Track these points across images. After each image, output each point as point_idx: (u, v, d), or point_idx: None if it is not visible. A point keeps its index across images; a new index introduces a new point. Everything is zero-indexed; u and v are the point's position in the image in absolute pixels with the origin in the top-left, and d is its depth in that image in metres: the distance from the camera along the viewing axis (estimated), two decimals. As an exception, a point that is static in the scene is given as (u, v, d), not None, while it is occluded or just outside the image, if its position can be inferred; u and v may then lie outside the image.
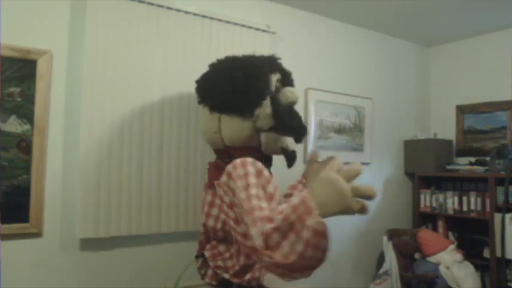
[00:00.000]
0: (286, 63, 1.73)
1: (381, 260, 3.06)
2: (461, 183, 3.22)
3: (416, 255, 3.00)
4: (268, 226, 1.04)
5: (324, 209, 0.92)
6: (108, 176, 1.94)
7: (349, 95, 3.03)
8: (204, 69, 1.75)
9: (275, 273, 1.10)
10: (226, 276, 1.41)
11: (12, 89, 1.79)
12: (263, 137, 1.54)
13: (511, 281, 2.68)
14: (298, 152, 1.69)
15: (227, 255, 1.44)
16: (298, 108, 1.66)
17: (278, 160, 1.68)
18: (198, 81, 1.70)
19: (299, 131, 1.56)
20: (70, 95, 1.94)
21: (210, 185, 1.53)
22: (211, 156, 1.92)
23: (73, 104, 1.94)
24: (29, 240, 1.82)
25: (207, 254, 1.50)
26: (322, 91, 2.88)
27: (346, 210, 0.91)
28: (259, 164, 1.31)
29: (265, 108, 1.51)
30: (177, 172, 2.13)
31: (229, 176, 1.28)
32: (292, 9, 2.77)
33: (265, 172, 1.30)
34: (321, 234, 0.94)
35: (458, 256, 2.83)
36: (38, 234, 1.84)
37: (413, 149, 3.34)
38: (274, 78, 1.59)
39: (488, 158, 2.97)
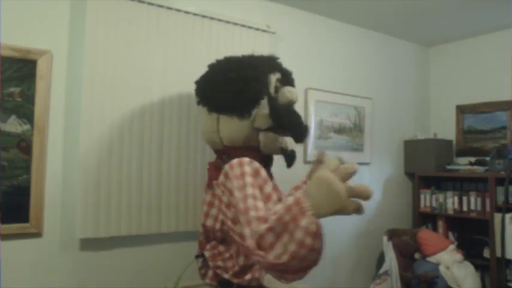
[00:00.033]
0: (286, 63, 1.73)
1: (381, 260, 3.06)
2: (461, 183, 3.22)
3: (416, 255, 3.00)
4: (263, 226, 1.04)
5: (319, 209, 0.91)
6: (108, 176, 1.94)
7: (349, 95, 3.03)
8: (204, 69, 1.75)
9: (270, 273, 1.11)
10: (226, 276, 1.41)
11: (12, 89, 1.79)
12: (261, 136, 1.54)
13: (511, 281, 2.68)
14: (298, 152, 1.69)
15: (227, 255, 1.44)
16: (298, 108, 1.66)
17: (278, 160, 1.68)
18: (197, 82, 1.71)
19: (298, 131, 1.55)
20: (70, 95, 1.94)
21: (210, 185, 1.54)
22: (211, 156, 1.92)
23: (73, 104, 1.94)
24: (29, 240, 1.82)
25: (207, 254, 1.50)
26: (322, 91, 2.88)
27: (341, 211, 0.89)
28: (257, 164, 1.32)
29: (263, 108, 1.51)
30: (177, 172, 2.13)
31: (226, 176, 1.29)
32: (292, 9, 2.77)
33: (263, 172, 1.30)
34: (315, 235, 0.93)
35: (458, 256, 2.83)
36: (38, 234, 1.84)
37: (413, 149, 3.34)
38: (274, 78, 1.59)
39: (488, 158, 2.97)
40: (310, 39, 2.86)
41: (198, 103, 1.68)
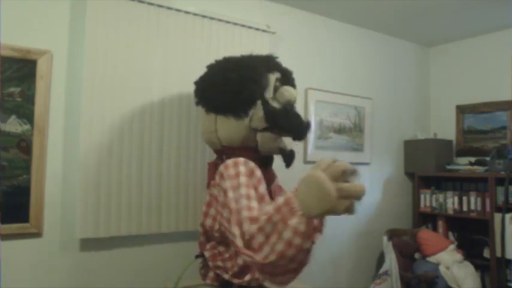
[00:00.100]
0: (286, 63, 1.73)
1: (381, 260, 3.06)
2: (461, 183, 3.22)
3: (416, 255, 3.00)
4: (254, 227, 1.04)
5: (309, 209, 0.90)
6: (108, 176, 1.94)
7: (349, 95, 3.03)
8: (203, 69, 1.75)
9: (260, 274, 1.10)
10: (226, 276, 1.41)
11: (12, 89, 1.79)
12: (259, 137, 1.54)
13: (511, 281, 2.68)
14: (298, 152, 1.69)
15: (227, 255, 1.44)
16: (298, 108, 1.66)
17: (278, 160, 1.68)
18: (196, 83, 1.71)
19: (297, 131, 1.55)
20: (70, 95, 1.94)
21: (209, 185, 1.54)
22: (211, 156, 1.92)
23: (73, 104, 1.94)
24: (29, 240, 1.82)
25: (206, 254, 1.50)
26: (322, 91, 2.88)
27: (331, 211, 0.87)
28: (252, 164, 1.32)
29: (259, 108, 1.51)
30: (177, 172, 2.13)
31: (221, 176, 1.30)
32: (292, 9, 2.77)
33: (257, 172, 1.30)
34: (304, 235, 0.93)
35: (458, 256, 2.83)
36: (38, 234, 1.84)
37: (413, 149, 3.34)
38: (273, 77, 1.59)
39: (488, 158, 2.97)
40: (310, 39, 2.86)
41: (197, 103, 1.69)
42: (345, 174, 0.86)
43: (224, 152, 1.58)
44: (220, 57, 1.72)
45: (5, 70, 1.77)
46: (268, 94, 1.57)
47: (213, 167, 1.58)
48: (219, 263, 1.44)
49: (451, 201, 3.08)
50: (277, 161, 1.68)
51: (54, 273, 1.87)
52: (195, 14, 2.22)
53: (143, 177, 2.04)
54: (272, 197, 1.48)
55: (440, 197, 3.15)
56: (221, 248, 1.46)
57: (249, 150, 1.54)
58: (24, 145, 1.80)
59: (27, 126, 1.81)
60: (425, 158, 3.23)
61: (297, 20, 2.79)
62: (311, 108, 2.81)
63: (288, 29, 2.73)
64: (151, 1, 2.07)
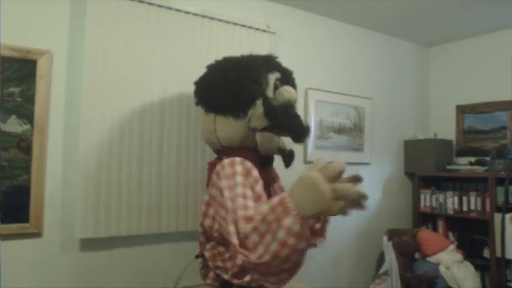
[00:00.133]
0: (286, 63, 1.73)
1: (381, 260, 3.06)
2: (461, 183, 3.22)
3: (416, 255, 3.00)
4: (248, 226, 1.05)
5: (303, 209, 0.90)
6: (108, 176, 1.94)
7: (349, 95, 3.03)
8: (204, 69, 1.75)
9: (254, 275, 1.10)
10: (226, 277, 1.41)
11: (12, 89, 1.79)
12: (258, 136, 1.54)
13: (511, 281, 2.68)
14: (298, 152, 1.69)
15: (227, 255, 1.44)
16: (298, 108, 1.66)
17: (277, 160, 1.68)
18: (196, 83, 1.71)
19: (297, 132, 1.55)
20: (70, 95, 1.94)
21: (208, 185, 1.54)
22: (211, 156, 1.92)
23: (73, 104, 1.94)
24: (29, 240, 1.82)
25: (206, 254, 1.50)
26: (322, 91, 2.88)
27: (325, 212, 0.87)
28: (248, 164, 1.33)
29: (259, 108, 1.51)
30: (177, 172, 2.13)
31: (218, 175, 1.31)
32: (292, 9, 2.77)
33: (254, 172, 1.31)
34: (298, 235, 0.93)
35: (458, 256, 2.83)
36: (38, 234, 1.84)
37: (413, 149, 3.34)
38: (273, 77, 1.59)
39: (488, 158, 2.97)
40: (310, 39, 2.86)
41: (197, 104, 1.69)
42: (340, 175, 0.86)
43: (224, 151, 1.58)
44: (220, 57, 1.72)
45: (5, 70, 1.77)
46: (268, 94, 1.57)
47: (213, 167, 1.58)
48: (219, 263, 1.44)
49: (451, 201, 3.08)
50: (277, 161, 1.68)
51: (54, 273, 1.87)
52: (195, 14, 2.22)
53: (143, 177, 2.04)
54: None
55: (440, 197, 3.15)
56: (221, 248, 1.46)
57: (249, 150, 1.54)
58: (24, 145, 1.80)
59: (27, 126, 1.81)
60: (425, 158, 3.23)
61: (297, 20, 2.79)
62: (311, 108, 2.81)
63: (288, 29, 2.73)
64: (151, 1, 2.07)
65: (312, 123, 2.81)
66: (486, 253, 2.87)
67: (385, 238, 2.99)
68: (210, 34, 2.27)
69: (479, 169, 3.01)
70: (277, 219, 0.95)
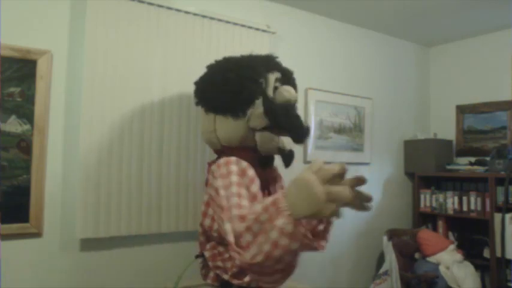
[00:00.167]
0: (286, 63, 1.73)
1: (381, 260, 3.06)
2: (461, 183, 3.22)
3: (416, 255, 3.00)
4: (242, 225, 1.05)
5: (296, 210, 0.90)
6: (108, 176, 1.94)
7: (349, 95, 3.03)
8: (204, 69, 1.75)
9: (248, 274, 1.10)
10: (226, 277, 1.41)
11: (12, 89, 1.79)
12: (257, 136, 1.54)
13: (511, 281, 2.68)
14: (297, 152, 1.69)
15: (226, 255, 1.44)
16: (298, 108, 1.66)
17: (278, 161, 1.68)
18: (196, 83, 1.71)
19: (297, 132, 1.55)
20: (70, 95, 1.94)
21: (207, 185, 1.54)
22: (212, 156, 1.92)
23: (73, 104, 1.94)
24: (29, 240, 1.82)
25: (206, 254, 1.50)
26: (322, 91, 2.88)
27: (318, 214, 0.87)
28: (244, 163, 1.34)
29: (258, 108, 1.51)
30: (177, 172, 2.13)
31: (213, 175, 1.33)
32: (292, 9, 2.77)
33: (250, 171, 1.32)
34: (291, 236, 0.93)
35: (458, 256, 2.84)
36: (38, 234, 1.84)
37: (413, 149, 3.34)
38: (273, 77, 1.59)
39: (488, 158, 2.97)
40: (310, 39, 2.86)
41: (197, 104, 1.69)
42: (337, 177, 0.86)
43: (224, 151, 1.58)
44: (220, 57, 1.72)
45: (5, 70, 1.77)
46: (268, 94, 1.56)
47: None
48: (219, 263, 1.44)
49: (451, 201, 3.08)
50: (277, 161, 1.68)
51: (54, 273, 1.87)
52: (195, 14, 2.22)
53: (143, 177, 2.04)
54: None
55: (440, 197, 3.15)
56: (221, 248, 1.46)
57: (248, 150, 1.54)
58: (24, 145, 1.80)
59: (27, 126, 1.81)
60: (425, 158, 3.23)
61: (297, 20, 2.79)
62: (311, 108, 2.81)
63: (288, 29, 2.73)
64: (151, 1, 2.07)
65: (312, 123, 2.81)
66: (486, 253, 2.87)
67: (385, 238, 2.99)
68: (210, 34, 2.27)
69: (479, 169, 3.01)
70: (270, 219, 0.95)
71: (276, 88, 1.59)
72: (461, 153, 3.38)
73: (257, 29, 2.46)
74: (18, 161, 1.79)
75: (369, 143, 3.15)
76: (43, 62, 1.85)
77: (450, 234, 3.17)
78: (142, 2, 2.06)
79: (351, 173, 0.87)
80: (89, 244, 1.95)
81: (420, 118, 3.59)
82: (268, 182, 1.58)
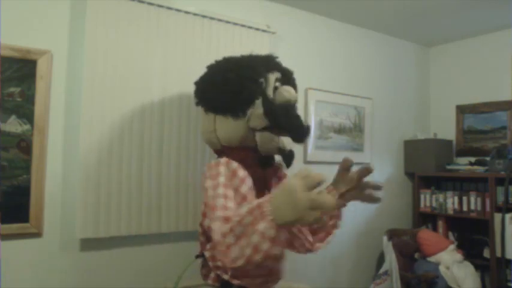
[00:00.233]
0: (286, 63, 1.73)
1: (381, 260, 3.06)
2: (461, 183, 3.22)
3: (416, 255, 3.00)
4: (226, 226, 1.06)
5: (279, 215, 0.90)
6: (108, 176, 1.94)
7: (349, 95, 3.03)
8: (204, 69, 1.75)
9: (231, 274, 1.11)
10: (226, 277, 1.41)
11: (12, 89, 1.79)
12: (258, 136, 1.54)
13: (511, 281, 2.68)
14: (297, 152, 1.69)
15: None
16: (298, 108, 1.66)
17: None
18: (196, 83, 1.72)
19: (298, 132, 1.55)
20: (70, 95, 1.94)
21: None
22: (212, 156, 1.92)
23: (73, 104, 1.94)
24: (29, 240, 1.82)
25: (207, 254, 1.49)
26: (322, 91, 2.88)
27: (300, 220, 0.88)
28: (234, 164, 1.36)
29: (258, 108, 1.51)
30: (177, 172, 2.13)
31: (205, 175, 1.36)
32: (292, 9, 2.77)
33: (240, 172, 1.34)
34: (273, 241, 0.93)
35: (458, 256, 2.84)
36: (38, 234, 1.84)
37: (413, 149, 3.34)
38: (273, 77, 1.59)
39: (488, 158, 2.97)
40: (310, 39, 2.86)
41: (197, 104, 1.69)
42: (319, 185, 0.87)
43: (224, 151, 1.58)
44: (220, 57, 1.72)
45: (5, 70, 1.77)
46: (268, 94, 1.56)
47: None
48: (219, 264, 1.44)
49: (451, 201, 3.08)
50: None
51: (54, 273, 1.87)
52: (195, 14, 2.22)
53: (143, 177, 2.04)
54: None
55: (440, 197, 3.15)
56: (221, 248, 1.46)
57: (248, 150, 1.54)
58: (24, 145, 1.80)
59: (27, 126, 1.81)
60: (425, 158, 3.23)
61: (297, 20, 2.79)
62: (311, 108, 2.81)
63: (288, 29, 2.73)
64: (151, 1, 2.07)
65: (312, 123, 2.81)
66: (486, 253, 2.87)
67: (385, 238, 2.99)
68: (210, 34, 2.27)
69: (479, 169, 3.01)
70: (253, 222, 0.95)
71: (276, 88, 1.59)
72: (461, 153, 3.38)
73: (257, 29, 2.46)
74: (18, 161, 1.79)
75: (369, 143, 3.15)
76: (43, 62, 1.85)
77: (450, 234, 3.17)
78: (142, 2, 2.06)
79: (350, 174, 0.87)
80: (89, 244, 1.95)
81: (420, 118, 3.59)
82: (269, 181, 1.58)
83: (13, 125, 1.78)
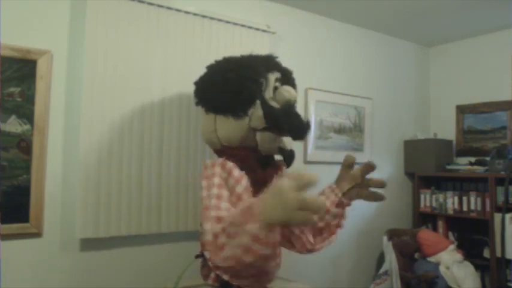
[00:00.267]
0: (286, 63, 1.73)
1: (381, 260, 3.06)
2: (461, 183, 3.22)
3: (416, 255, 3.00)
4: (218, 226, 1.07)
5: (268, 215, 0.91)
6: (108, 176, 1.94)
7: (349, 95, 3.03)
8: (204, 69, 1.75)
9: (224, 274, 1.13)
10: (226, 277, 1.41)
11: (12, 89, 1.79)
12: (258, 136, 1.54)
13: (511, 281, 2.68)
14: (297, 152, 1.69)
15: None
16: (298, 108, 1.66)
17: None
18: (196, 83, 1.72)
19: (297, 131, 1.55)
20: (70, 95, 1.94)
21: None
22: (212, 156, 1.92)
23: (73, 104, 1.94)
24: (29, 240, 1.82)
25: (207, 254, 1.50)
26: (322, 91, 2.88)
27: (289, 220, 0.88)
28: (230, 164, 1.37)
29: (259, 108, 1.51)
30: (177, 172, 2.13)
31: (201, 175, 1.39)
32: (292, 9, 2.77)
33: (235, 172, 1.35)
34: (262, 242, 0.93)
35: (458, 256, 2.83)
36: (38, 234, 1.84)
37: (413, 149, 3.34)
38: (273, 77, 1.59)
39: (488, 158, 2.97)
40: (310, 39, 2.86)
41: (197, 104, 1.69)
42: (308, 186, 0.87)
43: (224, 151, 1.58)
44: (220, 57, 1.72)
45: (5, 70, 1.77)
46: (268, 94, 1.57)
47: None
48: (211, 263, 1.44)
49: (451, 201, 3.08)
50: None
51: (54, 273, 1.87)
52: (195, 14, 2.22)
53: (143, 177, 2.04)
54: None
55: (440, 197, 3.15)
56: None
57: (249, 150, 1.54)
58: (24, 145, 1.80)
59: (27, 126, 1.81)
60: (425, 158, 3.23)
61: (297, 20, 2.79)
62: (311, 108, 2.81)
63: (288, 29, 2.73)
64: (151, 1, 2.07)
65: (312, 123, 2.81)
66: (486, 253, 2.87)
67: (385, 238, 2.99)
68: (210, 34, 2.27)
69: (479, 169, 3.01)
70: (243, 223, 0.96)
71: (276, 88, 1.59)
72: (461, 153, 3.38)
73: (257, 29, 2.46)
74: (18, 161, 1.79)
75: (369, 143, 3.14)
76: (43, 62, 1.85)
77: (450, 234, 3.17)
78: (142, 2, 2.06)
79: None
80: (89, 244, 1.95)
81: (420, 118, 3.59)
82: (269, 181, 1.58)
83: (13, 125, 1.78)
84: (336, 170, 1.56)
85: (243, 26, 2.40)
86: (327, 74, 2.95)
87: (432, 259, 2.85)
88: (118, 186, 1.96)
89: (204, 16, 2.25)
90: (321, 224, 1.56)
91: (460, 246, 3.01)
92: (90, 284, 1.95)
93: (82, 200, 1.87)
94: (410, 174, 3.43)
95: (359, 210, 3.00)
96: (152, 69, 2.08)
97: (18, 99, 1.80)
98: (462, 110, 3.41)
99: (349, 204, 1.56)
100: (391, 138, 3.35)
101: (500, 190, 2.77)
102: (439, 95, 3.60)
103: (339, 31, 3.03)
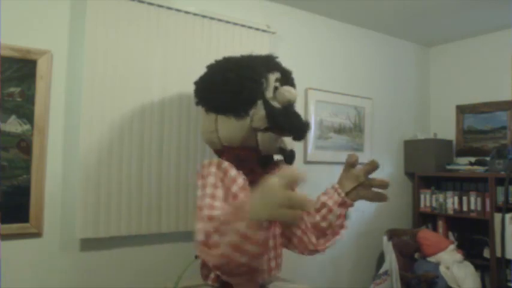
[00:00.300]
0: (286, 63, 1.73)
1: (381, 260, 3.06)
2: (461, 183, 3.22)
3: (416, 255, 3.00)
4: (210, 225, 1.07)
5: (257, 213, 0.91)
6: (108, 176, 1.94)
7: (349, 95, 3.03)
8: (204, 69, 1.75)
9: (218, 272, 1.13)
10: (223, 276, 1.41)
11: (12, 89, 1.79)
12: (259, 137, 1.54)
13: (511, 281, 2.68)
14: (298, 152, 1.68)
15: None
16: (298, 108, 1.66)
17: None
18: (196, 83, 1.71)
19: (298, 130, 1.55)
20: (70, 95, 1.94)
21: None
22: (212, 156, 1.92)
23: (73, 104, 1.94)
24: (29, 240, 1.82)
25: (199, 253, 1.50)
26: (322, 91, 2.88)
27: (278, 218, 0.89)
28: (225, 164, 1.37)
29: (260, 109, 1.51)
30: (177, 172, 2.13)
31: (197, 175, 1.39)
32: (292, 9, 2.77)
33: (231, 172, 1.35)
34: (251, 240, 0.93)
35: (458, 256, 2.84)
36: (38, 234, 1.84)
37: (413, 149, 3.34)
38: (273, 77, 1.59)
39: (488, 158, 2.97)
40: (310, 39, 2.86)
41: (197, 103, 1.69)
42: (297, 184, 0.87)
43: (224, 151, 1.58)
44: (220, 57, 1.72)
45: (5, 70, 1.77)
46: (268, 94, 1.57)
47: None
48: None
49: (451, 201, 3.08)
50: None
51: (54, 273, 1.87)
52: (195, 14, 2.22)
53: (143, 177, 2.04)
54: None
55: (440, 197, 3.15)
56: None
57: (249, 150, 1.54)
58: (24, 145, 1.80)
59: (27, 126, 1.81)
60: (425, 158, 3.23)
61: (297, 20, 2.79)
62: (311, 108, 2.81)
63: (288, 29, 2.73)
64: (151, 1, 2.07)
65: (312, 123, 2.81)
66: (486, 253, 2.87)
67: (385, 238, 2.99)
68: (210, 34, 2.27)
69: (479, 169, 3.01)
70: (233, 221, 0.96)
71: (276, 88, 1.59)
72: (461, 153, 3.38)
73: (257, 29, 2.46)
74: (18, 161, 1.79)
75: (369, 143, 3.15)
76: (43, 62, 1.85)
77: (450, 234, 3.17)
78: (142, 2, 2.06)
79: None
80: (89, 244, 1.95)
81: (420, 118, 3.59)
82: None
83: (13, 125, 1.78)
84: (336, 170, 1.56)
85: (243, 26, 2.40)
86: (327, 74, 2.95)
87: (432, 259, 2.85)
88: (118, 186, 1.96)
89: (204, 16, 2.25)
90: (323, 224, 1.56)
91: (460, 246, 3.01)
92: (90, 284, 1.95)
93: (82, 200, 1.87)
94: (410, 174, 3.43)
95: (359, 210, 2.99)
96: (152, 69, 2.08)
97: (18, 99, 1.80)
98: (462, 110, 3.41)
99: (352, 205, 1.56)
100: (391, 138, 3.35)
101: (500, 190, 2.78)
102: (439, 95, 3.60)
103: (339, 31, 3.03)
